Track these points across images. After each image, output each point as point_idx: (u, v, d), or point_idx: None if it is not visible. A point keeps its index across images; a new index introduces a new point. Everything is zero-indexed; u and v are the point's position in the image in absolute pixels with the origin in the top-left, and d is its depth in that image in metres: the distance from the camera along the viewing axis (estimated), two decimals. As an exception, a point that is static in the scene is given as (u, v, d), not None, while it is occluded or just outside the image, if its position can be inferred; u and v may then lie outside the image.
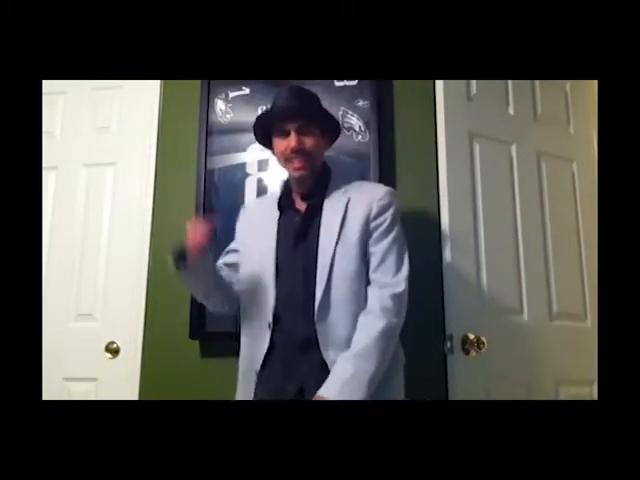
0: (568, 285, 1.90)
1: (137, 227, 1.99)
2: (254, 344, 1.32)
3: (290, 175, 1.39)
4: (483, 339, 1.61)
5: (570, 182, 2.02)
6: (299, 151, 1.31)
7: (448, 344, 1.60)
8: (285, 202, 1.40)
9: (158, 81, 2.10)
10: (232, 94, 2.03)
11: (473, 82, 1.87)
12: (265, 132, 1.40)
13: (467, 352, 1.61)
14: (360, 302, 1.26)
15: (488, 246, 1.74)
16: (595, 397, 1.77)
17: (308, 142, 1.32)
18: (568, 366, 1.80)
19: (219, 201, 1.94)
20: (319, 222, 1.31)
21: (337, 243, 1.28)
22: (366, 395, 1.15)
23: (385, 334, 1.21)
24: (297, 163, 1.32)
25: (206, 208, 1.93)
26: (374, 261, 1.29)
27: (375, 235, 1.30)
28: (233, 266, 1.45)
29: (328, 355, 1.23)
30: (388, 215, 1.31)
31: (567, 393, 1.77)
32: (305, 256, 1.30)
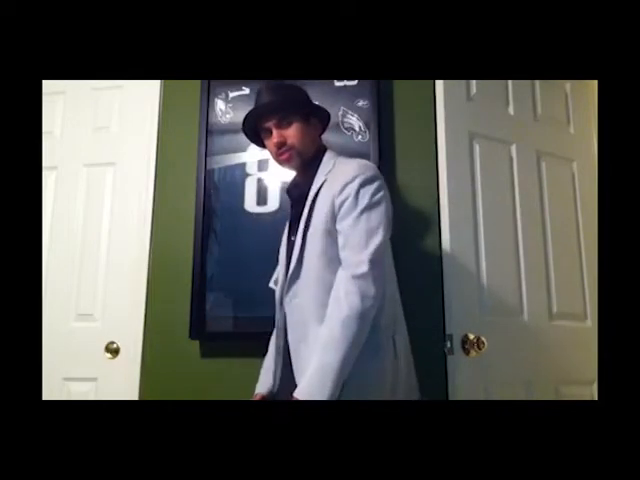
0: (568, 285, 1.90)
1: (137, 227, 1.99)
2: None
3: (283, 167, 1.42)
4: (483, 339, 1.60)
5: (570, 182, 2.02)
6: (283, 145, 1.33)
7: (448, 344, 1.60)
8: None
9: (158, 81, 2.10)
10: (232, 94, 2.03)
11: (473, 82, 1.87)
12: (255, 134, 1.43)
13: (467, 352, 1.61)
14: (325, 286, 1.22)
15: (488, 246, 1.74)
16: (595, 397, 1.77)
17: (290, 134, 1.33)
18: (568, 366, 1.80)
19: (219, 201, 1.94)
20: (302, 209, 1.32)
21: (307, 226, 1.28)
22: (334, 386, 1.11)
23: (350, 320, 1.14)
24: (283, 156, 1.35)
25: (206, 208, 1.93)
26: (340, 240, 1.23)
27: (341, 212, 1.23)
28: None
29: (290, 339, 1.27)
30: (352, 190, 1.23)
31: (567, 393, 1.77)
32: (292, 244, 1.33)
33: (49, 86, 2.05)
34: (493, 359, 1.64)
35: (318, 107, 1.42)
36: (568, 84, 2.13)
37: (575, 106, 2.11)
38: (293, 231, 1.35)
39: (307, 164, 1.37)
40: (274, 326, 1.45)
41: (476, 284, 1.69)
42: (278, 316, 1.39)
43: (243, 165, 1.96)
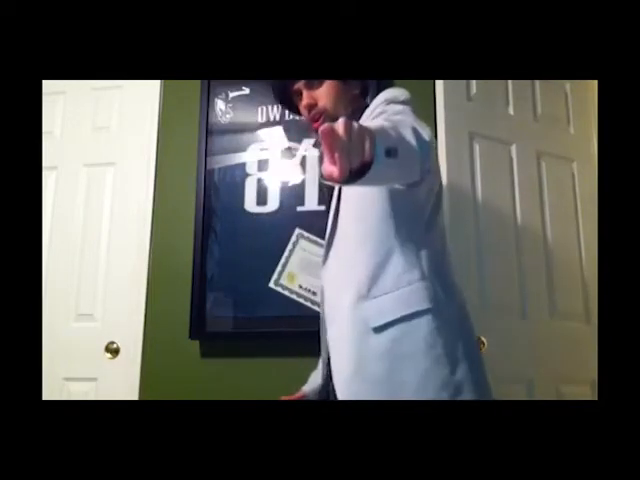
0: (568, 285, 1.90)
1: (137, 227, 1.99)
2: None
3: None
4: (483, 339, 1.61)
5: (570, 182, 2.02)
6: (313, 107, 1.22)
7: (448, 344, 1.60)
8: None
9: (158, 81, 2.10)
10: (232, 94, 2.03)
11: (473, 82, 1.87)
12: (289, 103, 1.32)
13: (467, 352, 1.61)
14: (359, 244, 1.08)
15: (488, 246, 1.75)
16: (595, 397, 1.77)
17: (321, 94, 1.23)
18: (568, 366, 1.80)
19: (219, 201, 1.95)
20: None
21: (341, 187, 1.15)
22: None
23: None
24: (317, 123, 1.23)
25: (206, 208, 1.93)
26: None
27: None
28: None
29: (326, 310, 1.15)
30: (376, 106, 1.12)
31: (567, 392, 1.77)
32: None
33: (49, 86, 2.06)
34: (493, 359, 1.64)
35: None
36: (568, 84, 2.13)
37: (575, 106, 2.11)
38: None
39: None
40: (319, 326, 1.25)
41: (476, 284, 1.70)
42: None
43: (243, 165, 1.97)
